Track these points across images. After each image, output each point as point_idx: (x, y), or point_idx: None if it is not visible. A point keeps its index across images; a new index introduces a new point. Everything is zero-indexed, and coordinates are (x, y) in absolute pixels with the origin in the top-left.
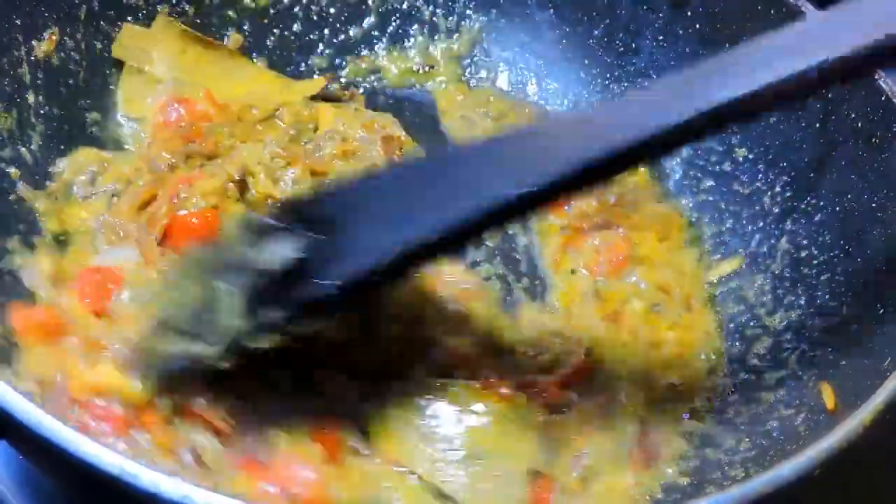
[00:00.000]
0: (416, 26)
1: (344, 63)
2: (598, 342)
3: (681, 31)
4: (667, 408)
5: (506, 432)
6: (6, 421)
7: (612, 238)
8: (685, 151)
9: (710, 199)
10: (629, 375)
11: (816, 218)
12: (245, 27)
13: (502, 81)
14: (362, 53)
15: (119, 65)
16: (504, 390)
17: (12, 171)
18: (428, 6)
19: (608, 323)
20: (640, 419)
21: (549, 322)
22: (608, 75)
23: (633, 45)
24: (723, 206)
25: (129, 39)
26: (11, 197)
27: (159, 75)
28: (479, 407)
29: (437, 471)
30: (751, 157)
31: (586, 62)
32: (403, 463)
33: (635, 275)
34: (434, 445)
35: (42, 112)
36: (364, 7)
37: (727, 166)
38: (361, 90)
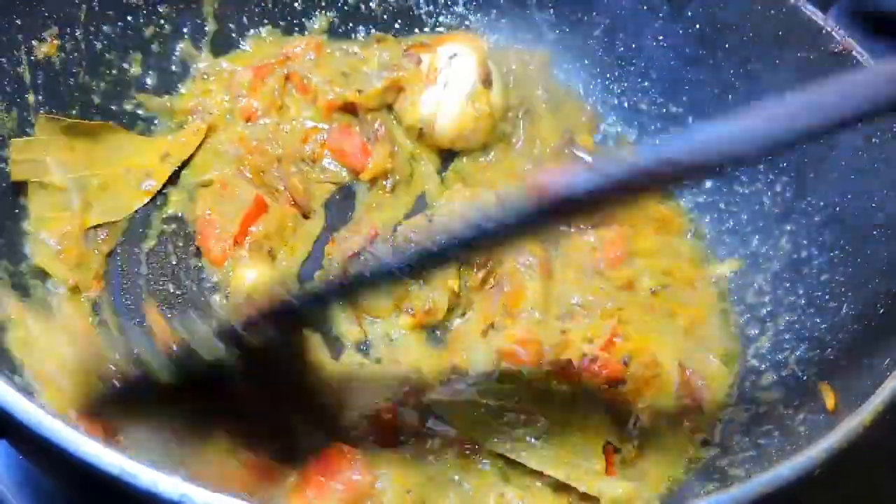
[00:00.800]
0: (416, 28)
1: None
2: (620, 303)
3: (681, 31)
4: (698, 349)
5: (578, 409)
6: (6, 421)
7: (609, 235)
8: None
9: (710, 199)
10: (659, 335)
11: (816, 218)
12: None
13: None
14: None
15: None
16: (568, 370)
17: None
18: (428, 6)
19: (625, 291)
20: (678, 366)
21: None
22: (608, 75)
23: (633, 45)
24: (723, 207)
25: (19, 154)
26: None
27: (59, 183)
28: (549, 388)
29: (522, 449)
30: None
31: (586, 62)
32: (484, 444)
33: (636, 265)
34: (512, 426)
35: (42, 112)
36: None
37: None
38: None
